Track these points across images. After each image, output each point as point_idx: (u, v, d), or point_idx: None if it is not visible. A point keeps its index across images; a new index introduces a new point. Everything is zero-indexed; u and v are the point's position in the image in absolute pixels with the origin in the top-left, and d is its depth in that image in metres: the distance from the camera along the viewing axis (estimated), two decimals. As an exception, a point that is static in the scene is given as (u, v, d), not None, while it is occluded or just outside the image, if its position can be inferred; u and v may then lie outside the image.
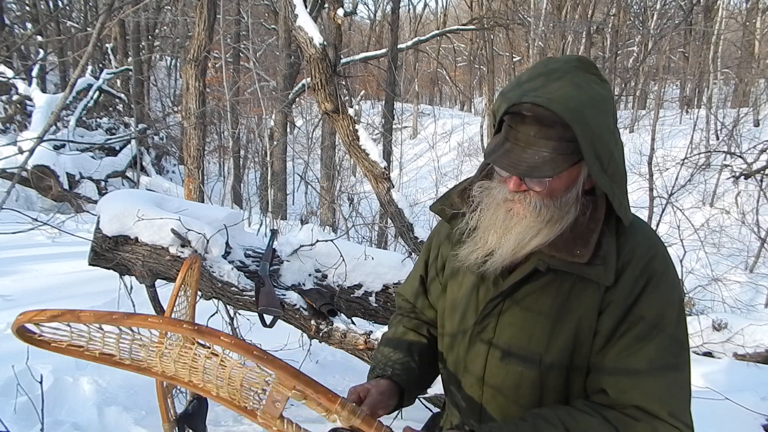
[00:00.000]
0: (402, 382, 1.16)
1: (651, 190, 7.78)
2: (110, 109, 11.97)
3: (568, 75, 0.97)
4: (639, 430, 0.95)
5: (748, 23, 18.31)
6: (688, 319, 2.59)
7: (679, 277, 1.10)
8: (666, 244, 1.09)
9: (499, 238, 1.04)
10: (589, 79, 0.98)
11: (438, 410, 1.53)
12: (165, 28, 16.56)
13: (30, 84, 9.97)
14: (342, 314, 2.58)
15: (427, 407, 2.52)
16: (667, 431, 0.95)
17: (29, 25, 13.73)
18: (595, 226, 1.01)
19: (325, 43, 3.04)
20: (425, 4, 43.23)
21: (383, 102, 15.05)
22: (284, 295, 2.46)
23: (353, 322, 2.55)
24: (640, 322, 0.98)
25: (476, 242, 1.08)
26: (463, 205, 1.14)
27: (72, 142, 9.36)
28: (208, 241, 2.45)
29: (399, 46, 14.13)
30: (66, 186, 8.48)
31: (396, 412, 1.27)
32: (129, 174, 10.43)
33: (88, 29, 10.07)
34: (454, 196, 1.17)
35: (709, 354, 2.92)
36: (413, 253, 3.04)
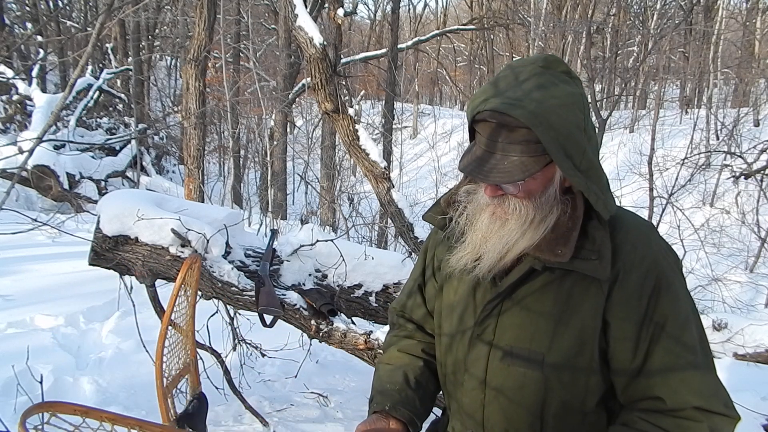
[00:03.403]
0: (407, 419, 1.13)
1: (651, 190, 7.79)
2: (110, 109, 11.97)
3: (533, 77, 0.97)
4: (698, 431, 0.96)
5: (748, 23, 18.32)
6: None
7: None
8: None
9: (485, 243, 1.04)
10: (555, 79, 0.98)
11: (439, 410, 1.52)
12: (165, 28, 16.57)
13: (30, 84, 9.97)
14: (342, 314, 2.58)
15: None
16: (726, 424, 0.97)
17: (29, 25, 13.73)
18: (573, 224, 1.02)
19: (325, 43, 3.04)
20: (425, 4, 43.33)
21: (383, 102, 15.04)
22: (284, 295, 2.45)
23: (353, 322, 2.54)
24: (668, 322, 0.98)
25: (464, 247, 1.08)
26: (451, 209, 1.14)
27: (72, 142, 9.35)
28: (208, 241, 2.45)
29: (399, 46, 14.11)
30: (66, 186, 8.48)
31: None
32: (129, 174, 10.42)
33: (88, 29, 10.07)
34: (443, 202, 1.18)
35: (709, 354, 2.92)
36: (413, 253, 3.04)
